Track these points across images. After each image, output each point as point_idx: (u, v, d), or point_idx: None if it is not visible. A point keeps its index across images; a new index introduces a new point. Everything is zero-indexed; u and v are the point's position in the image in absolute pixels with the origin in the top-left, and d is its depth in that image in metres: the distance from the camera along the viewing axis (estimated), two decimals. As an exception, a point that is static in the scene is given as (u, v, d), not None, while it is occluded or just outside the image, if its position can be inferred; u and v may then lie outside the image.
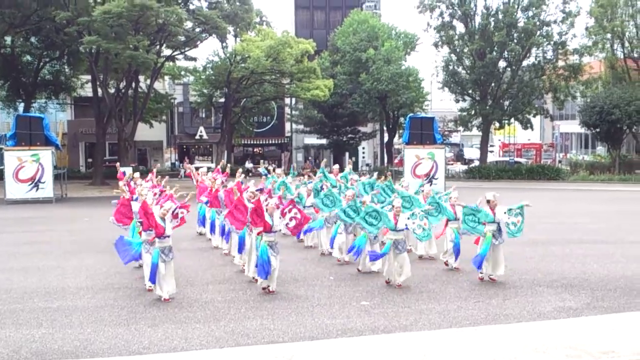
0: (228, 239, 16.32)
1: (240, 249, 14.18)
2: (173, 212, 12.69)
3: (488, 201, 13.76)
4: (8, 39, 43.15)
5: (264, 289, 12.68)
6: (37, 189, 31.88)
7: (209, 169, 25.01)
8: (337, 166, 22.75)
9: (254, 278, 13.34)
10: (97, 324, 10.80)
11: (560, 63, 46.76)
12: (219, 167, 21.27)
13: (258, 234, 12.79)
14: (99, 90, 41.87)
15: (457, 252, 14.72)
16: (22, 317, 11.21)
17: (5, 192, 31.60)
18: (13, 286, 13.48)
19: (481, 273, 13.76)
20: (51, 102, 50.59)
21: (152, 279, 12.29)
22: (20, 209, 28.93)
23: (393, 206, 13.41)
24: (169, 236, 12.27)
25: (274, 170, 21.62)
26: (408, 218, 13.29)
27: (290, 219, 12.77)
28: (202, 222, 19.64)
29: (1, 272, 14.93)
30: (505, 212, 13.55)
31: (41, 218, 25.85)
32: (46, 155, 32.09)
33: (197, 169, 21.75)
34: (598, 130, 45.56)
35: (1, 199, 31.63)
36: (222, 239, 17.07)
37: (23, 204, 30.60)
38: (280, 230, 13.20)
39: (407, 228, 13.43)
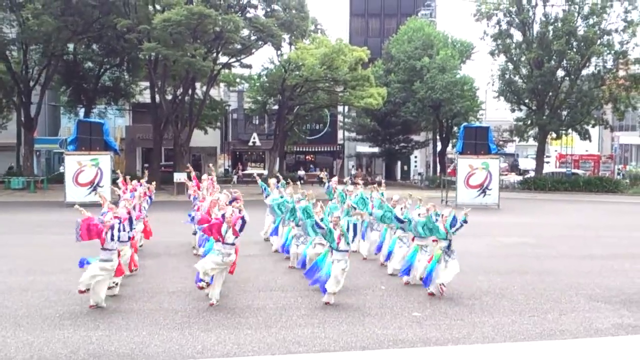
0: None
1: None
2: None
3: (441, 215, 13.54)
4: (71, 46, 44.45)
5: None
6: (95, 193, 32.62)
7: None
8: (335, 178, 22.77)
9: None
10: (152, 327, 11.00)
11: (621, 73, 45.62)
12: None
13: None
14: (157, 97, 42.80)
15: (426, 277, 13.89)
16: (80, 318, 11.50)
17: (65, 195, 32.50)
18: (72, 288, 13.80)
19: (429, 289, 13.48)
20: (110, 107, 51.89)
21: None
22: (79, 212, 29.60)
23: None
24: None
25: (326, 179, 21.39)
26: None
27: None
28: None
29: (60, 273, 15.36)
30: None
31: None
32: (105, 160, 32.90)
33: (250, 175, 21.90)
34: (660, 142, 44.25)
35: (61, 202, 32.54)
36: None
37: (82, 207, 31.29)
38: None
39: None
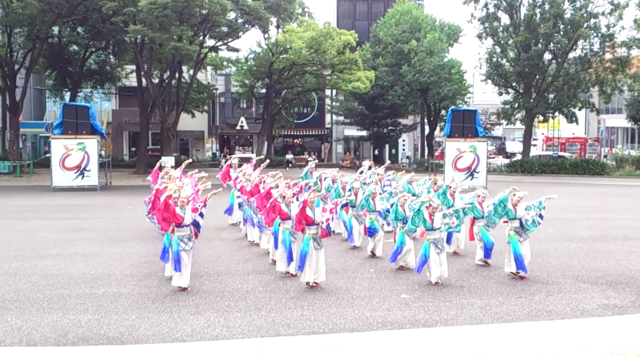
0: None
1: (276, 244, 14.10)
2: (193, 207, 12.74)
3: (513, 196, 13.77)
4: (55, 29, 43.92)
5: (307, 283, 12.60)
6: (82, 177, 32.48)
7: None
8: (368, 162, 22.72)
9: (287, 272, 13.45)
10: (142, 310, 11.01)
11: (608, 56, 45.68)
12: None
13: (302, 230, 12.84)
14: (143, 80, 42.44)
15: (489, 249, 14.53)
16: (69, 302, 11.48)
17: (52, 180, 32.30)
18: (60, 272, 13.81)
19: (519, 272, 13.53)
20: (96, 91, 51.47)
21: (177, 268, 12.20)
22: (66, 197, 29.53)
23: (430, 205, 13.26)
24: (187, 225, 12.36)
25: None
26: (443, 217, 13.18)
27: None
28: (230, 212, 19.77)
29: (48, 258, 15.30)
30: (525, 209, 13.62)
31: (86, 205, 26.36)
32: (92, 144, 32.67)
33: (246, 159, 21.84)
34: (645, 124, 44.48)
35: (48, 186, 32.36)
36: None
37: (69, 192, 31.22)
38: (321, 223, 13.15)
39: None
